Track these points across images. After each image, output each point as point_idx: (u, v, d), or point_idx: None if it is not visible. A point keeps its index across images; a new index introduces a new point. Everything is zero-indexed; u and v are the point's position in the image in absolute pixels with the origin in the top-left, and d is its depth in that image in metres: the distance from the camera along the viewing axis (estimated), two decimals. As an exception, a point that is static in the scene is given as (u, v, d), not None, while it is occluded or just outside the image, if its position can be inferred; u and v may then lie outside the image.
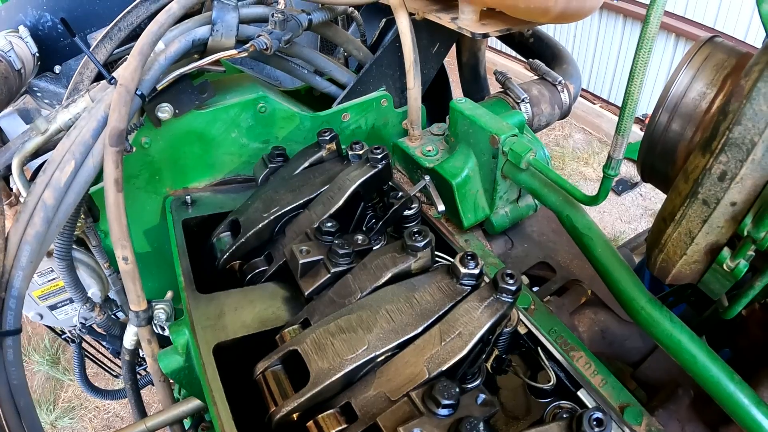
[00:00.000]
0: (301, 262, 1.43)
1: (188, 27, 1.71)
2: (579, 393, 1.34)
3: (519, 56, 2.88)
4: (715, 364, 1.20)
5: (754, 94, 1.00)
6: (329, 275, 1.42)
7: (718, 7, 6.00)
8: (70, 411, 4.53)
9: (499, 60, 8.73)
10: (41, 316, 2.09)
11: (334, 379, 1.15)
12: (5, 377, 1.34)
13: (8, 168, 1.62)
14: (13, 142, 1.67)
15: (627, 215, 6.12)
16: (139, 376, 2.22)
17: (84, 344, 2.62)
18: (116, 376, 3.34)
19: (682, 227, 1.15)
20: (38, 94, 2.17)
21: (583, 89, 7.84)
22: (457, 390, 1.07)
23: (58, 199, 1.43)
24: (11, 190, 1.70)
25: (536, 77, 2.38)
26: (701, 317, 1.73)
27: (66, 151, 1.46)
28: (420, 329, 1.21)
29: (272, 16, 1.74)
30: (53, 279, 1.96)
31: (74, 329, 2.29)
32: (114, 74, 1.56)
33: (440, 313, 1.23)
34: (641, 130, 6.50)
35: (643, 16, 1.08)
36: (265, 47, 1.69)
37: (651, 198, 6.24)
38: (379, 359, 1.19)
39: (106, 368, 3.17)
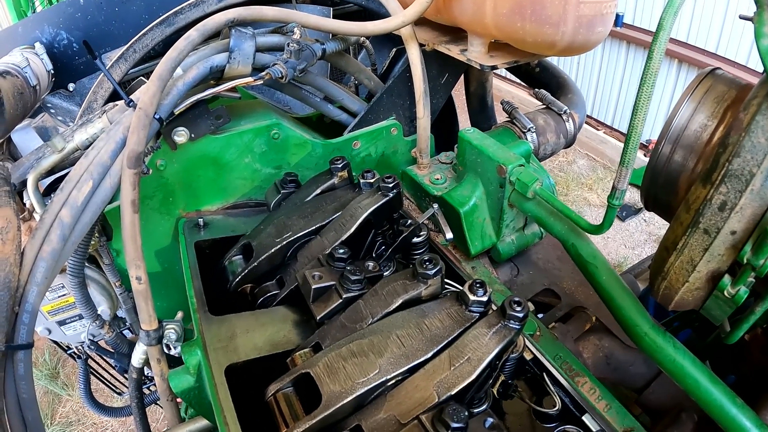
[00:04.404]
0: (313, 287, 1.46)
1: (206, 54, 1.75)
2: (584, 418, 1.36)
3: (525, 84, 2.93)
4: (718, 388, 1.22)
5: (753, 127, 1.03)
6: (341, 300, 1.45)
7: (720, 33, 6.05)
8: (67, 426, 4.50)
9: (505, 87, 8.81)
10: (50, 331, 2.10)
11: (345, 401, 1.17)
12: (15, 390, 1.35)
13: (23, 183, 1.66)
14: (27, 158, 1.70)
15: (631, 241, 6.11)
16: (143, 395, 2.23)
17: (88, 360, 2.62)
18: (119, 394, 3.34)
19: (684, 255, 1.18)
20: (52, 111, 2.21)
21: (587, 115, 7.89)
22: (467, 414, 1.10)
23: (74, 218, 1.46)
24: (25, 204, 1.73)
25: (542, 106, 2.43)
26: (705, 342, 1.75)
27: (84, 170, 1.49)
28: (430, 354, 1.23)
29: (288, 46, 1.78)
30: (64, 295, 1.98)
31: (81, 345, 2.30)
32: (132, 97, 1.60)
33: (450, 338, 1.25)
34: (645, 156, 6.53)
35: (647, 43, 1.12)
36: (280, 76, 1.73)
37: (655, 223, 6.24)
38: (389, 383, 1.21)
39: (110, 385, 3.17)
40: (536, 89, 2.49)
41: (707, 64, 6.01)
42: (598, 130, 7.68)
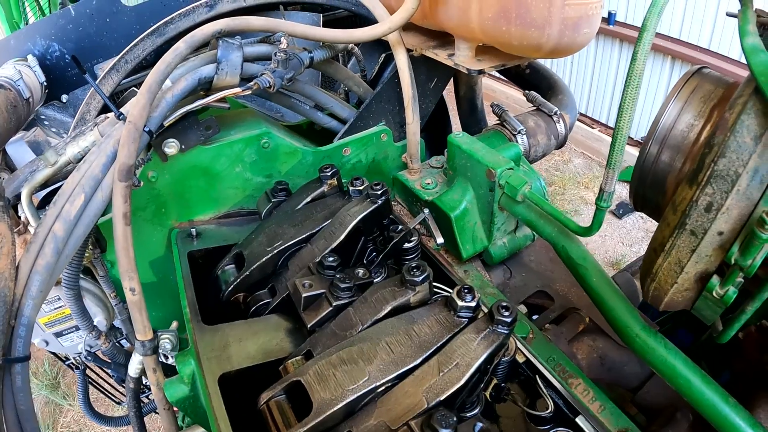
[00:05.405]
0: (303, 295, 1.46)
1: (194, 65, 1.76)
2: (577, 419, 1.36)
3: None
4: (710, 388, 1.22)
5: (738, 127, 1.03)
6: (331, 308, 1.46)
7: (713, 29, 6.05)
8: (69, 436, 4.52)
9: (499, 87, 8.81)
10: (47, 343, 2.11)
11: (336, 408, 1.17)
12: (13, 403, 1.36)
13: (17, 197, 1.67)
14: (21, 171, 1.70)
15: (628, 238, 6.11)
16: (141, 404, 2.23)
17: (87, 371, 2.63)
18: (119, 403, 3.35)
19: (671, 257, 1.18)
20: (45, 123, 2.21)
21: (581, 114, 7.88)
22: (455, 419, 1.10)
23: (68, 231, 1.47)
24: (19, 218, 1.74)
25: (532, 108, 2.43)
26: (699, 341, 1.75)
27: (76, 184, 1.50)
28: (419, 360, 1.24)
29: (275, 55, 1.79)
30: (60, 307, 1.99)
31: (79, 356, 2.31)
32: (123, 110, 1.61)
33: (438, 344, 1.26)
34: (640, 153, 6.51)
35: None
36: (268, 85, 1.74)
37: (652, 221, 6.16)
38: (379, 389, 1.21)
39: (109, 395, 3.18)
40: (527, 91, 2.49)
41: (700, 60, 6.01)
42: (593, 128, 7.68)
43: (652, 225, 6.18)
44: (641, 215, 6.36)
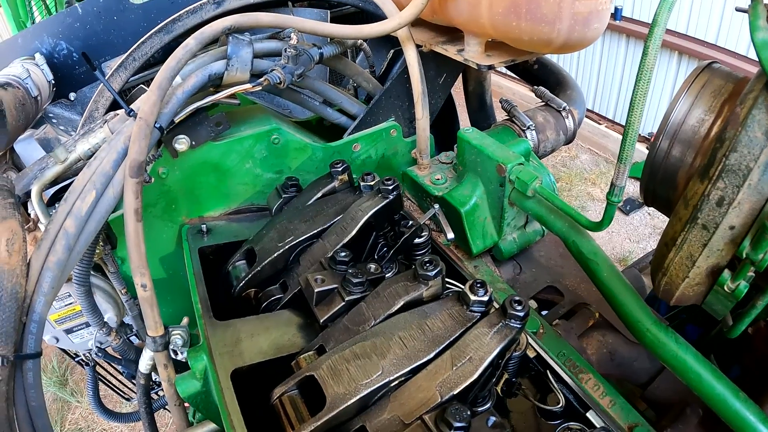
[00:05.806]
0: (316, 290, 1.47)
1: (204, 61, 1.76)
2: (588, 414, 1.36)
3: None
4: (721, 383, 1.22)
5: (749, 122, 1.03)
6: (343, 303, 1.46)
7: (720, 24, 6.03)
8: (77, 432, 4.54)
9: (506, 83, 8.80)
10: (57, 340, 2.11)
11: (349, 403, 1.18)
12: (24, 399, 1.37)
13: (27, 194, 1.67)
14: (30, 168, 1.71)
15: (635, 235, 6.10)
16: (151, 400, 2.24)
17: (96, 367, 2.64)
18: (128, 399, 3.36)
19: (683, 251, 1.18)
20: (54, 121, 2.22)
21: (588, 110, 7.86)
22: (469, 413, 1.10)
23: (79, 228, 1.48)
24: (29, 215, 1.75)
25: (541, 103, 2.43)
26: (708, 336, 1.75)
27: (87, 181, 1.51)
28: (432, 355, 1.24)
29: (285, 51, 1.79)
30: (70, 303, 1.99)
31: (89, 353, 2.31)
32: (133, 106, 1.61)
33: (451, 339, 1.26)
34: (648, 149, 6.50)
35: (646, 35, 1.12)
36: (278, 81, 1.75)
37: (659, 217, 6.21)
38: (392, 384, 1.22)
39: (119, 391, 3.19)
40: (535, 86, 2.49)
41: (707, 55, 5.99)
42: (599, 124, 7.66)
43: (660, 221, 6.17)
44: (648, 212, 6.35)
